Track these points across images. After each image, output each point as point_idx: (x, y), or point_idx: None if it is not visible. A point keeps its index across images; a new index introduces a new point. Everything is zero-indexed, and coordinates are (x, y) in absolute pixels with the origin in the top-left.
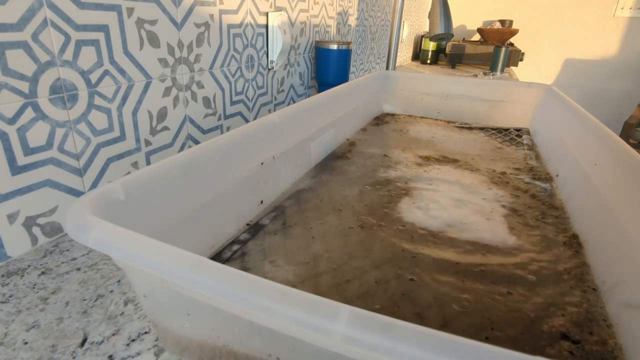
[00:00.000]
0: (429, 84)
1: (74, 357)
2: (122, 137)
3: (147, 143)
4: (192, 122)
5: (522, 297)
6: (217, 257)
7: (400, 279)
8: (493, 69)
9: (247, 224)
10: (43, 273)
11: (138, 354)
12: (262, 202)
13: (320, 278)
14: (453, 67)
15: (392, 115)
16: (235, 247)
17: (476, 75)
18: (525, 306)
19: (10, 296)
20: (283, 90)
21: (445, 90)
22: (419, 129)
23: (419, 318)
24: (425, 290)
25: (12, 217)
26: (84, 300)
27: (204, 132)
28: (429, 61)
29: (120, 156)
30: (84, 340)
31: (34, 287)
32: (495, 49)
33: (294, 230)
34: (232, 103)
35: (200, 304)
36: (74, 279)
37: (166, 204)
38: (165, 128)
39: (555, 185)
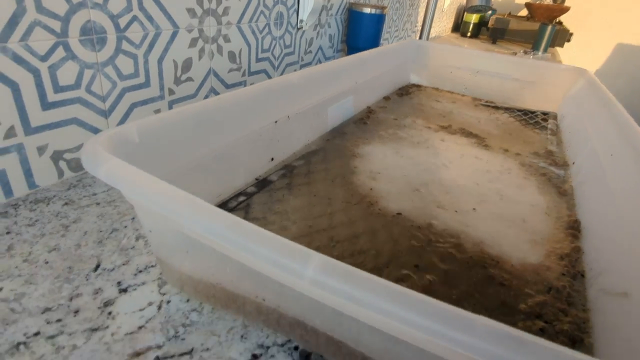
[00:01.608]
0: (460, 57)
1: (87, 279)
2: (146, 83)
3: (171, 92)
4: (216, 75)
5: (508, 276)
6: (222, 205)
7: (391, 244)
8: (535, 47)
9: (256, 179)
10: (66, 204)
11: (143, 283)
12: (272, 159)
13: (316, 235)
14: (494, 42)
15: (419, 86)
16: (241, 198)
17: (515, 53)
18: (510, 285)
19: (36, 221)
20: (310, 52)
21: (476, 66)
22: (443, 102)
23: (401, 281)
24: (413, 256)
25: (41, 150)
26: (100, 231)
27: (227, 86)
28: (469, 34)
29: (144, 102)
30: (97, 266)
31: (57, 215)
32: (541, 26)
33: (299, 189)
34: (258, 60)
35: (197, 242)
36: (93, 212)
37: (178, 150)
38: (189, 79)
39: (569, 173)
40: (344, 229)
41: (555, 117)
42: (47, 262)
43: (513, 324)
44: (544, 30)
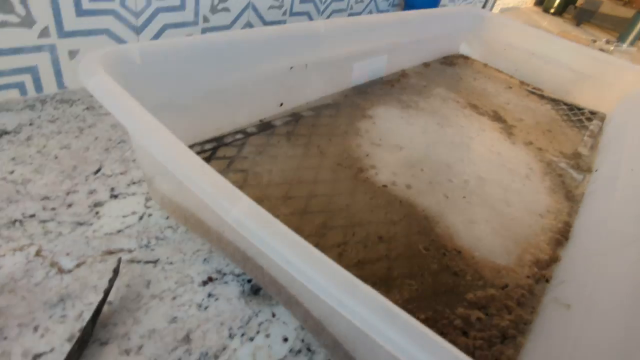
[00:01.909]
0: (519, 35)
1: (86, 180)
2: (181, 7)
3: (205, 20)
4: (255, 10)
5: (465, 267)
6: (218, 139)
7: (365, 212)
8: (622, 38)
9: (260, 120)
10: (87, 108)
11: (133, 194)
12: (281, 104)
13: (296, 186)
14: (577, 24)
15: (466, 58)
16: (238, 136)
17: (595, 41)
18: (464, 276)
19: (57, 118)
20: (362, 1)
21: (533, 47)
22: (485, 80)
23: (360, 246)
24: (381, 228)
25: (72, 54)
26: (110, 140)
27: (265, 23)
28: (552, 10)
29: (176, 25)
30: (98, 170)
31: (76, 118)
32: (636, 14)
33: (297, 139)
34: (302, 0)
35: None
36: (108, 121)
37: (182, 79)
38: (226, 9)
39: (588, 179)
40: (325, 187)
41: (602, 118)
42: (56, 157)
43: (452, 308)
44: (637, 19)
